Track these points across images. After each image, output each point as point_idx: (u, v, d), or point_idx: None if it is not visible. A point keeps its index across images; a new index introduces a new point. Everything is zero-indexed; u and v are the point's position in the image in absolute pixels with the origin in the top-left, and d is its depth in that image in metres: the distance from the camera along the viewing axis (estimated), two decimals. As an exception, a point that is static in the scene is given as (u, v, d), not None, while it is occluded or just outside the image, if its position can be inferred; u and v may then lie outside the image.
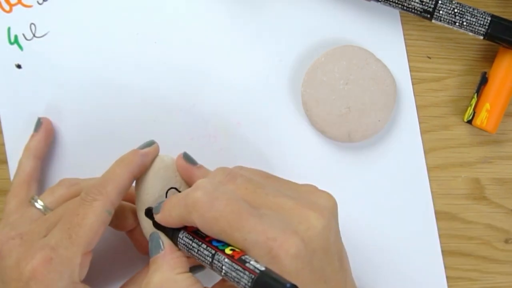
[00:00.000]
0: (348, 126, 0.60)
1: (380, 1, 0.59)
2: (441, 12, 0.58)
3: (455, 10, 0.58)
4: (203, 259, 0.46)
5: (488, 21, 0.58)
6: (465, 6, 0.58)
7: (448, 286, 0.63)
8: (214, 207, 0.45)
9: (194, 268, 0.51)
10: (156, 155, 0.53)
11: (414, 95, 0.62)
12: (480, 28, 0.58)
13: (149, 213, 0.51)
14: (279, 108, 0.61)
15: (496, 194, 0.63)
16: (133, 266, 0.58)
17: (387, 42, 0.62)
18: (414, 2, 0.58)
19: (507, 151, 0.63)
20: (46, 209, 0.54)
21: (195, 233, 0.48)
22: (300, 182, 0.51)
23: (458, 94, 0.63)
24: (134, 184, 0.53)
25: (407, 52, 0.62)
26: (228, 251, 0.44)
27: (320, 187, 0.50)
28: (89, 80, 0.60)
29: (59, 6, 0.60)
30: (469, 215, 0.63)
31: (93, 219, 0.50)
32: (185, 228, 0.49)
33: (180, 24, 0.61)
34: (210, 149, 0.61)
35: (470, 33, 0.59)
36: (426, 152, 0.62)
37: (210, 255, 0.45)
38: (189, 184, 0.53)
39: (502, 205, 0.63)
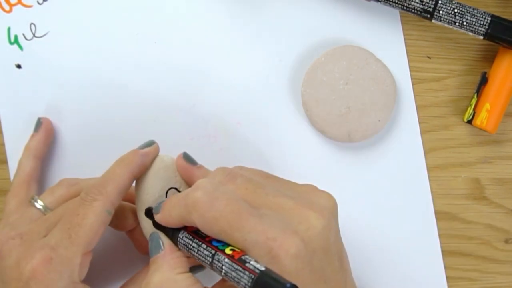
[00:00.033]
0: (348, 126, 0.60)
1: (380, 1, 0.59)
2: (441, 12, 0.58)
3: (455, 10, 0.58)
4: (203, 259, 0.46)
5: (488, 21, 0.58)
6: (465, 6, 0.58)
7: (448, 286, 0.63)
8: (214, 207, 0.45)
9: (194, 268, 0.51)
10: (156, 155, 0.53)
11: (414, 95, 0.62)
12: (480, 28, 0.58)
13: (149, 213, 0.51)
14: (279, 108, 0.61)
15: (496, 194, 0.63)
16: (133, 266, 0.58)
17: (387, 42, 0.62)
18: (414, 2, 0.58)
19: (507, 151, 0.63)
20: (46, 209, 0.54)
21: (195, 233, 0.48)
22: (300, 182, 0.51)
23: (458, 94, 0.63)
24: (134, 184, 0.53)
25: (407, 52, 0.62)
26: (228, 251, 0.44)
27: (320, 187, 0.50)
28: (89, 80, 0.60)
29: (59, 6, 0.60)
30: (469, 215, 0.63)
31: (93, 219, 0.50)
32: (185, 228, 0.49)
33: (180, 24, 0.61)
34: (210, 149, 0.61)
35: (470, 33, 0.59)
36: (426, 152, 0.62)
37: (210, 255, 0.45)
38: (189, 184, 0.53)
39: (502, 205, 0.63)
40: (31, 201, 0.55)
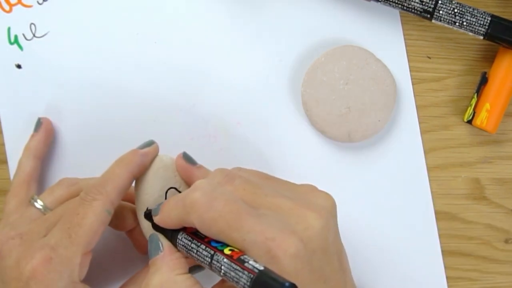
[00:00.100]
0: (348, 126, 0.60)
1: (380, 1, 0.59)
2: (441, 12, 0.58)
3: (455, 10, 0.58)
4: (202, 259, 0.46)
5: (488, 21, 0.58)
6: (465, 6, 0.58)
7: (448, 286, 0.63)
8: (212, 207, 0.45)
9: (194, 268, 0.51)
10: (155, 155, 0.53)
11: (414, 95, 0.62)
12: (480, 28, 0.58)
13: (148, 215, 0.51)
14: (279, 108, 0.61)
15: (496, 194, 0.63)
16: (133, 266, 0.58)
17: (387, 42, 0.62)
18: (414, 2, 0.58)
19: (507, 151, 0.63)
20: (46, 209, 0.54)
21: (194, 234, 0.48)
22: (300, 182, 0.51)
23: (458, 94, 0.63)
24: (133, 184, 0.53)
25: (407, 52, 0.62)
26: (227, 251, 0.44)
27: (320, 187, 0.50)
28: (89, 80, 0.60)
29: (59, 6, 0.60)
30: (469, 215, 0.63)
31: (92, 219, 0.50)
32: (184, 229, 0.49)
33: (180, 24, 0.61)
34: (210, 149, 0.61)
35: (470, 33, 0.59)
36: (426, 152, 0.62)
37: (209, 255, 0.45)
38: (188, 184, 0.53)
39: (502, 205, 0.63)
40: (30, 201, 0.55)
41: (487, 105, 0.60)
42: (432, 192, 0.62)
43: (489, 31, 0.58)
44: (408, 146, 0.62)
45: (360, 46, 0.61)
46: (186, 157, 0.53)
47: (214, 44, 0.61)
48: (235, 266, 0.42)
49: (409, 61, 0.62)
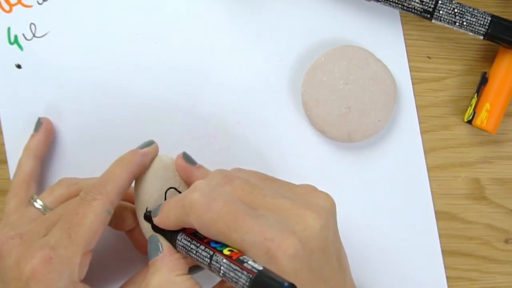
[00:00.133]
0: (348, 126, 0.60)
1: (380, 1, 0.59)
2: (441, 12, 0.58)
3: (455, 10, 0.58)
4: (201, 260, 0.46)
5: (488, 21, 0.58)
6: (465, 6, 0.58)
7: (448, 286, 0.63)
8: (211, 208, 0.45)
9: (193, 268, 0.51)
10: (155, 155, 0.53)
11: (414, 95, 0.62)
12: (480, 28, 0.58)
13: (147, 216, 0.51)
14: (279, 108, 0.61)
15: (496, 194, 0.63)
16: (133, 266, 0.58)
17: (387, 42, 0.62)
18: (414, 2, 0.58)
19: (507, 151, 0.63)
20: (46, 209, 0.54)
21: (193, 235, 0.48)
22: (300, 182, 0.51)
23: (458, 94, 0.63)
24: (133, 184, 0.53)
25: (407, 52, 0.62)
26: (226, 252, 0.44)
27: (320, 187, 0.50)
28: (89, 80, 0.60)
29: (59, 6, 0.60)
30: (469, 215, 0.63)
31: (92, 219, 0.50)
32: (183, 230, 0.49)
33: (180, 24, 0.61)
34: (210, 149, 0.61)
35: (470, 33, 0.59)
36: (426, 152, 0.62)
37: (208, 256, 0.45)
38: (188, 184, 0.53)
39: (502, 205, 0.63)
40: (30, 201, 0.55)
41: (487, 105, 0.60)
42: (432, 192, 0.62)
43: (489, 31, 0.58)
44: (408, 146, 0.62)
45: (360, 46, 0.61)
46: (186, 157, 0.53)
47: (214, 44, 0.61)
48: (234, 267, 0.42)
49: (409, 61, 0.62)
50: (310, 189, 0.49)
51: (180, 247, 0.48)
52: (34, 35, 0.60)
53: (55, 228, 0.50)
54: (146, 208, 0.52)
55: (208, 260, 0.45)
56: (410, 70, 0.62)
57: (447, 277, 0.63)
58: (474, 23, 0.58)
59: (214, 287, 0.50)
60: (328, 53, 0.60)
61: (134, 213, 0.54)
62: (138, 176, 0.53)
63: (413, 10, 0.58)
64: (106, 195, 0.50)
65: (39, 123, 0.58)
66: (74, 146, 0.60)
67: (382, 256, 0.62)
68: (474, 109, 0.61)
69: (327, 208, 0.47)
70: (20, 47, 0.60)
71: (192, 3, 0.61)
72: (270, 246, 0.43)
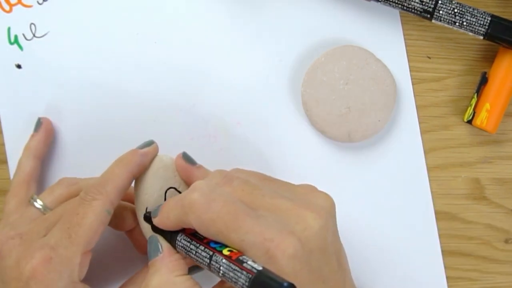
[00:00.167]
0: (348, 126, 0.60)
1: (380, 1, 0.59)
2: (441, 12, 0.58)
3: (455, 10, 0.58)
4: (201, 260, 0.46)
5: (488, 21, 0.58)
6: (465, 6, 0.58)
7: (448, 286, 0.63)
8: (210, 208, 0.45)
9: (193, 268, 0.51)
10: (155, 155, 0.53)
11: (414, 95, 0.62)
12: (480, 28, 0.58)
13: (147, 217, 0.51)
14: (279, 108, 0.61)
15: (496, 194, 0.63)
16: (133, 266, 0.58)
17: (387, 42, 0.62)
18: (414, 2, 0.58)
19: (507, 151, 0.63)
20: (46, 209, 0.54)
21: (193, 235, 0.48)
22: (300, 182, 0.51)
23: (458, 94, 0.63)
24: (133, 184, 0.53)
25: (407, 52, 0.62)
26: (225, 252, 0.44)
27: (320, 187, 0.50)
28: (89, 80, 0.60)
29: (59, 6, 0.60)
30: (469, 215, 0.63)
31: (92, 219, 0.50)
32: (183, 231, 0.49)
33: (180, 24, 0.61)
34: (210, 149, 0.61)
35: (470, 33, 0.59)
36: (426, 152, 0.62)
37: (208, 256, 0.45)
38: (188, 184, 0.53)
39: (502, 205, 0.63)
40: (30, 201, 0.55)
41: (487, 105, 0.60)
42: (432, 192, 0.62)
43: (489, 31, 0.58)
44: (408, 146, 0.62)
45: (360, 46, 0.61)
46: (186, 157, 0.53)
47: (214, 44, 0.61)
48: (233, 267, 0.42)
49: (409, 61, 0.62)
50: (310, 189, 0.49)
51: (180, 247, 0.48)
52: (34, 35, 0.60)
53: (55, 228, 0.50)
54: (146, 208, 0.52)
55: (208, 260, 0.45)
56: (410, 70, 0.62)
57: (447, 277, 0.63)
58: (474, 23, 0.58)
59: (214, 287, 0.50)
60: (328, 53, 0.60)
61: (134, 213, 0.54)
62: (138, 176, 0.53)
63: (413, 10, 0.58)
64: (106, 195, 0.50)
65: (39, 123, 0.58)
66: (74, 146, 0.60)
67: (382, 256, 0.62)
68: (474, 109, 0.61)
69: (326, 208, 0.47)
70: (20, 47, 0.60)
71: (192, 3, 0.61)
72: (269, 246, 0.43)
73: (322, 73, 0.60)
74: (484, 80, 0.61)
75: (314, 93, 0.60)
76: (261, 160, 0.61)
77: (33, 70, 0.60)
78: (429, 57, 0.62)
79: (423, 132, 0.62)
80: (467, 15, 0.58)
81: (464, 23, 0.58)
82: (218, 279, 0.50)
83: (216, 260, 0.44)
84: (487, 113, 0.60)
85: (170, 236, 0.50)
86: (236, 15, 0.61)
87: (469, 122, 0.61)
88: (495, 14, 0.58)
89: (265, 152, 0.61)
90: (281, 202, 0.46)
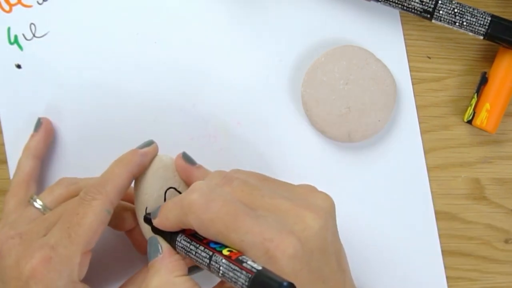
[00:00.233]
0: (348, 126, 0.60)
1: (380, 1, 0.59)
2: (441, 12, 0.58)
3: (455, 10, 0.58)
4: (201, 261, 0.46)
5: (488, 21, 0.58)
6: (465, 6, 0.58)
7: (448, 286, 0.63)
8: (210, 208, 0.45)
9: (192, 269, 0.51)
10: (155, 154, 0.53)
11: (414, 95, 0.62)
12: (480, 28, 0.58)
13: (147, 219, 0.51)
14: (279, 108, 0.61)
15: (496, 194, 0.63)
16: (133, 266, 0.58)
17: (387, 42, 0.62)
18: (414, 2, 0.58)
19: (507, 151, 0.63)
20: (45, 209, 0.54)
21: (193, 236, 0.48)
22: (300, 182, 0.51)
23: (458, 94, 0.63)
24: (133, 184, 0.53)
25: (407, 52, 0.62)
26: (225, 252, 0.44)
27: (320, 187, 0.50)
28: (89, 80, 0.60)
29: (59, 6, 0.60)
30: (469, 215, 0.63)
31: (92, 218, 0.50)
32: (183, 232, 0.49)
33: (180, 24, 0.61)
34: (210, 149, 0.61)
35: (470, 33, 0.59)
36: (426, 152, 0.62)
37: (208, 256, 0.45)
38: (188, 184, 0.53)
39: (502, 205, 0.63)
40: (30, 201, 0.55)
41: (487, 105, 0.60)
42: (432, 192, 0.62)
43: (489, 31, 0.58)
44: (408, 146, 0.62)
45: (360, 46, 0.61)
46: (186, 157, 0.53)
47: (214, 44, 0.61)
48: (233, 267, 0.42)
49: (409, 61, 0.62)
50: (310, 189, 0.49)
51: (180, 248, 0.48)
52: (34, 35, 0.60)
53: (55, 227, 0.50)
54: (146, 208, 0.52)
55: (208, 261, 0.45)
56: (410, 70, 0.62)
57: (447, 277, 0.63)
58: (474, 23, 0.58)
59: None
60: (328, 53, 0.60)
61: (134, 213, 0.54)
62: (138, 176, 0.53)
63: (413, 10, 0.58)
64: (106, 195, 0.50)
65: (39, 123, 0.58)
66: (74, 146, 0.60)
67: (382, 256, 0.62)
68: (474, 109, 0.61)
69: (326, 208, 0.47)
70: (20, 47, 0.60)
71: (192, 3, 0.61)
72: (269, 246, 0.43)
73: (322, 73, 0.60)
74: (484, 80, 0.61)
75: (314, 93, 0.60)
76: (261, 160, 0.61)
77: (33, 70, 0.60)
78: (429, 57, 0.62)
79: (423, 132, 0.62)
80: (467, 15, 0.58)
81: (464, 23, 0.58)
82: (218, 280, 0.50)
83: (216, 260, 0.44)
84: (487, 113, 0.60)
85: (170, 236, 0.50)
86: (236, 15, 0.61)
87: (469, 122, 0.61)
88: (495, 14, 0.58)
89: (265, 152, 0.61)
90: (281, 202, 0.46)
